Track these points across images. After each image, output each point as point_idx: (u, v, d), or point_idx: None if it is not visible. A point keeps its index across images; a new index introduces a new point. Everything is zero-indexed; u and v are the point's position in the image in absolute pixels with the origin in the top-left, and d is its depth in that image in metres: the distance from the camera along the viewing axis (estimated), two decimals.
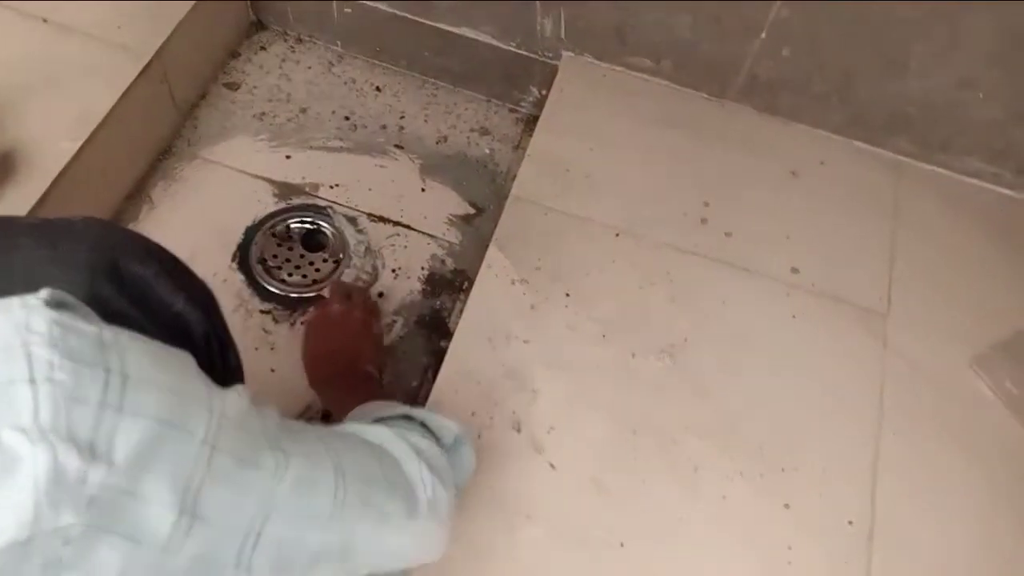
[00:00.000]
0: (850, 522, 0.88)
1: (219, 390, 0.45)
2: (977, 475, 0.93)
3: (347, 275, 1.11)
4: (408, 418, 0.70)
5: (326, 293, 1.07)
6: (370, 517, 0.55)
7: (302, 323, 1.05)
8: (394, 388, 1.03)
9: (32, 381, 0.35)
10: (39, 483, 0.34)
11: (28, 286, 0.39)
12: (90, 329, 0.38)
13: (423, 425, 0.70)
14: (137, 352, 0.40)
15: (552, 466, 0.88)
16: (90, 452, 0.36)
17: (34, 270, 0.44)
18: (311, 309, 1.02)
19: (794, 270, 1.05)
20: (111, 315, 0.42)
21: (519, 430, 0.89)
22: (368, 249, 1.14)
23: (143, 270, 0.48)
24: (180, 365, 0.43)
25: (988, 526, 0.90)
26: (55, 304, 0.38)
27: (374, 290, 1.10)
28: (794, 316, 1.02)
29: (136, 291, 0.47)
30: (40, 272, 0.44)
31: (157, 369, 0.40)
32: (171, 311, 0.49)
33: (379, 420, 0.69)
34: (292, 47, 1.34)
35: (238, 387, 0.46)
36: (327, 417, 0.98)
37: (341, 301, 0.99)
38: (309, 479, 0.48)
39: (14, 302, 0.37)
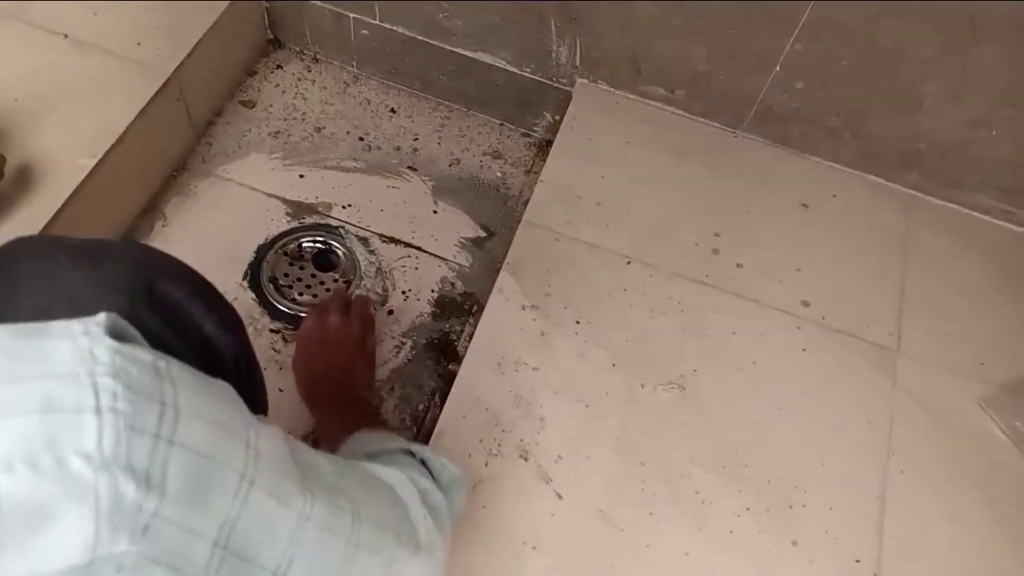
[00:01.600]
0: (857, 560, 0.88)
1: (255, 423, 0.45)
2: (985, 515, 0.93)
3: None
4: (408, 453, 0.71)
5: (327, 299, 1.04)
6: (379, 563, 0.55)
7: (297, 332, 1.03)
8: (400, 410, 1.03)
9: (98, 411, 0.36)
10: (101, 509, 0.35)
11: (70, 305, 0.40)
12: (146, 358, 0.40)
13: (422, 463, 0.70)
14: (185, 383, 0.41)
15: (559, 496, 0.87)
16: (146, 482, 0.37)
17: (75, 290, 0.45)
18: (308, 315, 0.99)
19: (804, 303, 1.05)
20: (146, 336, 0.42)
21: (526, 458, 0.89)
22: (379, 270, 1.14)
23: (177, 292, 0.49)
24: (221, 397, 0.44)
25: (996, 566, 0.90)
26: (112, 331, 0.40)
27: (384, 310, 1.10)
28: (804, 350, 1.01)
29: (170, 312, 0.48)
30: (81, 292, 0.45)
31: (202, 401, 0.41)
32: (202, 333, 0.50)
33: (379, 453, 0.69)
34: (308, 66, 1.35)
35: (273, 426, 0.47)
36: None
37: (340, 312, 0.97)
38: (330, 524, 0.49)
39: (76, 328, 0.39)
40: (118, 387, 0.37)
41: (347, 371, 0.94)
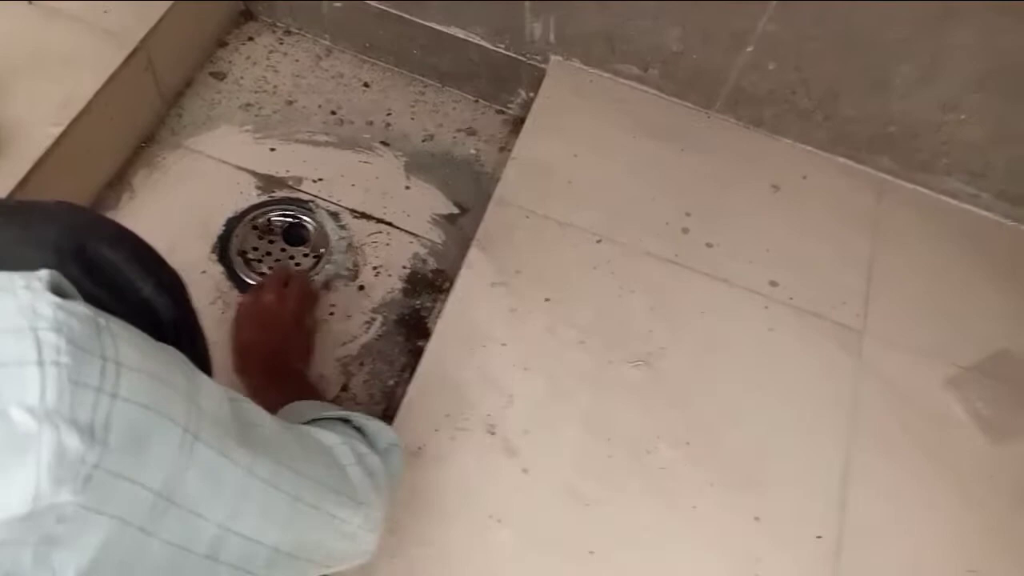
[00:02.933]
0: (819, 536, 0.89)
1: (197, 380, 0.46)
2: (947, 494, 0.95)
3: (328, 271, 1.10)
4: (345, 421, 0.71)
5: (268, 274, 1.05)
6: (320, 520, 0.56)
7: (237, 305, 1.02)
8: (370, 386, 1.03)
9: (40, 363, 0.36)
10: (43, 460, 0.35)
11: (1, 265, 0.39)
12: (88, 313, 0.40)
13: (358, 430, 0.71)
14: (126, 339, 0.41)
15: (525, 470, 0.88)
16: (89, 434, 0.37)
17: (6, 250, 0.45)
18: (246, 293, 1.00)
19: (772, 283, 1.06)
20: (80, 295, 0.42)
21: (493, 433, 0.89)
22: (350, 245, 1.13)
23: (112, 254, 0.49)
24: (162, 354, 0.44)
25: (956, 544, 0.92)
26: (53, 287, 0.40)
27: (354, 286, 1.10)
28: (771, 329, 1.02)
29: (104, 274, 0.48)
30: (10, 252, 0.45)
31: (143, 357, 0.41)
32: (139, 295, 0.50)
33: (315, 421, 0.69)
34: (281, 39, 1.34)
35: (215, 383, 0.47)
36: None
37: (277, 290, 0.98)
38: (274, 479, 0.50)
39: (17, 282, 0.39)
40: (61, 341, 0.37)
41: (280, 343, 0.94)
